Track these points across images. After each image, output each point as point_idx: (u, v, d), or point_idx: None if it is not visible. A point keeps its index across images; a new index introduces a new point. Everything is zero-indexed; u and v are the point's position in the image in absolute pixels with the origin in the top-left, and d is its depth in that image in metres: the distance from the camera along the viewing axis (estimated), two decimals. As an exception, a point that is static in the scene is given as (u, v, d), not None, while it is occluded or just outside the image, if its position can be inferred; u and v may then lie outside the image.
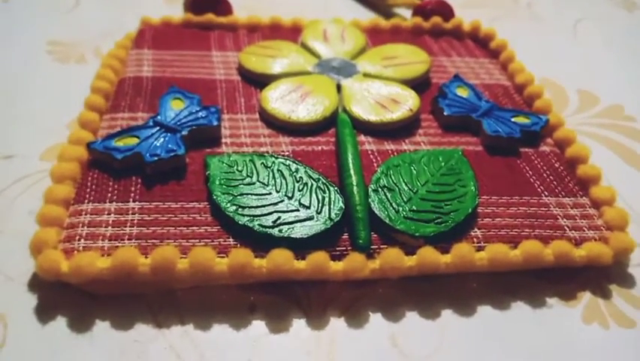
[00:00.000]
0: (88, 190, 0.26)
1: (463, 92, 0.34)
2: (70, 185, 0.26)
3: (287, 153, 0.29)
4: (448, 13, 0.44)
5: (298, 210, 0.25)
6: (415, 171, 0.28)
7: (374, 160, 0.29)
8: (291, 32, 0.41)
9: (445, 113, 0.32)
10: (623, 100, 0.40)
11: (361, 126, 0.31)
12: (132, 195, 0.26)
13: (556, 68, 0.42)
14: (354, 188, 0.26)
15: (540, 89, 0.36)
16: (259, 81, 0.35)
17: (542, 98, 0.35)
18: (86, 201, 0.26)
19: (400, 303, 0.24)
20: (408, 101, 0.33)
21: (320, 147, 0.30)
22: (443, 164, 0.29)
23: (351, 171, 0.27)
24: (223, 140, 0.30)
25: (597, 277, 0.26)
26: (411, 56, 0.37)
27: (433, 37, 0.42)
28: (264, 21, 0.41)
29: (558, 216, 0.27)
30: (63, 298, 0.23)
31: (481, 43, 0.42)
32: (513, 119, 0.32)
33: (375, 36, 0.41)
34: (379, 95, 0.33)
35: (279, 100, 0.32)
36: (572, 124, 0.36)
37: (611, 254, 0.25)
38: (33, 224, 0.24)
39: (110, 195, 0.26)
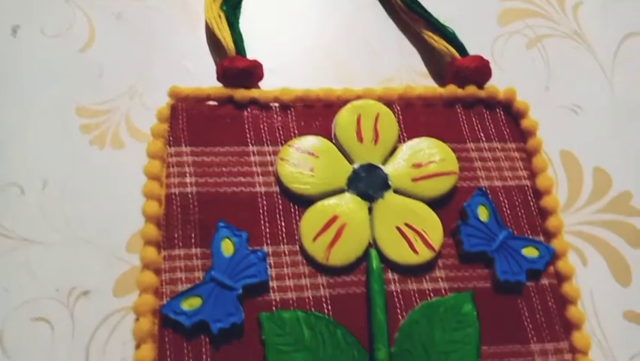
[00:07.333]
0: (168, 353, 0.33)
1: (483, 214, 0.38)
2: (151, 343, 0.33)
3: (324, 304, 0.35)
4: (485, 73, 0.43)
5: (336, 384, 0.33)
6: (431, 328, 0.34)
7: (398, 306, 0.35)
8: (325, 110, 0.41)
9: (464, 249, 0.36)
10: (633, 185, 0.42)
11: (388, 263, 0.36)
12: (204, 358, 0.33)
13: (581, 129, 0.44)
14: (383, 367, 0.33)
15: (555, 203, 0.39)
16: (297, 199, 0.37)
17: (555, 216, 0.38)
18: (170, 367, 0.33)
19: None
20: (432, 237, 0.36)
21: (353, 290, 0.35)
22: (455, 316, 0.35)
23: (380, 344, 0.33)
24: (270, 283, 0.35)
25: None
26: (441, 164, 0.39)
27: (466, 108, 0.42)
28: (295, 93, 0.40)
29: (538, 367, 0.35)
30: None
31: (512, 116, 0.42)
32: (523, 252, 0.37)
33: (407, 109, 0.41)
34: (407, 226, 0.37)
35: (316, 239, 0.36)
36: (577, 222, 0.41)
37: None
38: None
39: (187, 358, 0.33)
